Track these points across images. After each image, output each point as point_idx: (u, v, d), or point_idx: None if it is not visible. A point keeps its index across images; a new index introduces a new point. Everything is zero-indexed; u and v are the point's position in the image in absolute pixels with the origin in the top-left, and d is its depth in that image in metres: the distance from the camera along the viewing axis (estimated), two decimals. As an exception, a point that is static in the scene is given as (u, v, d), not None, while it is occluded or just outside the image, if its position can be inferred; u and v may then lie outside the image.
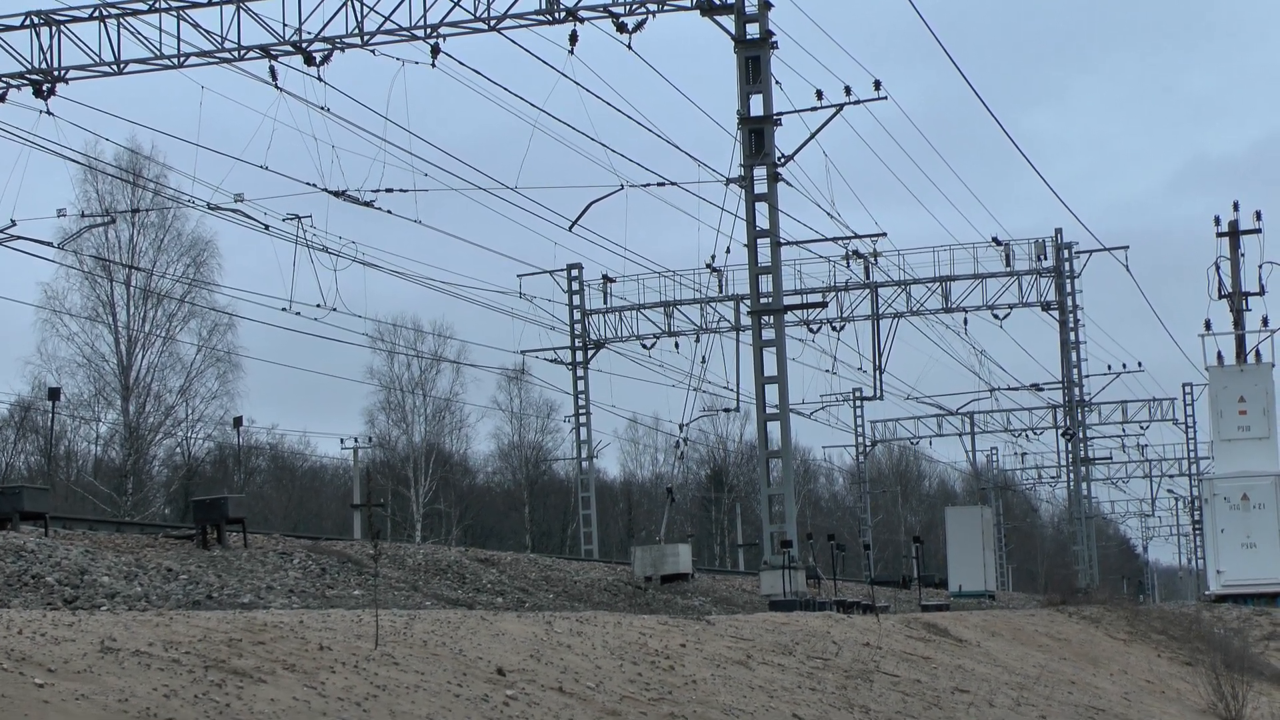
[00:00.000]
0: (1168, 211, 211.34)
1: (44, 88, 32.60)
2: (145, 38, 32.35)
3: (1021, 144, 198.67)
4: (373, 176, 43.88)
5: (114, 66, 32.59)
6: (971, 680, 22.44)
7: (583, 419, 57.11)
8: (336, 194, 34.03)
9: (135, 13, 32.30)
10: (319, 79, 31.75)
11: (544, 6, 31.24)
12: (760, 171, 31.34)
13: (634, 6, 30.98)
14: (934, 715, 18.18)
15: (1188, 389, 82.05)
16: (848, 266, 52.56)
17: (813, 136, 33.09)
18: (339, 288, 37.80)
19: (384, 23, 31.66)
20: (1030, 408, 76.78)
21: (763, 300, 31.62)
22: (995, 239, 54.52)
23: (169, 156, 65.06)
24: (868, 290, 54.39)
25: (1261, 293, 59.07)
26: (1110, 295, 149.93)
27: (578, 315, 56.79)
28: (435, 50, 31.25)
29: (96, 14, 32.34)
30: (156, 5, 32.19)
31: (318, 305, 37.81)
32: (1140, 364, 73.05)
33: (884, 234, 41.18)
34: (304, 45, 31.76)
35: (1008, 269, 54.66)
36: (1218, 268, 59.18)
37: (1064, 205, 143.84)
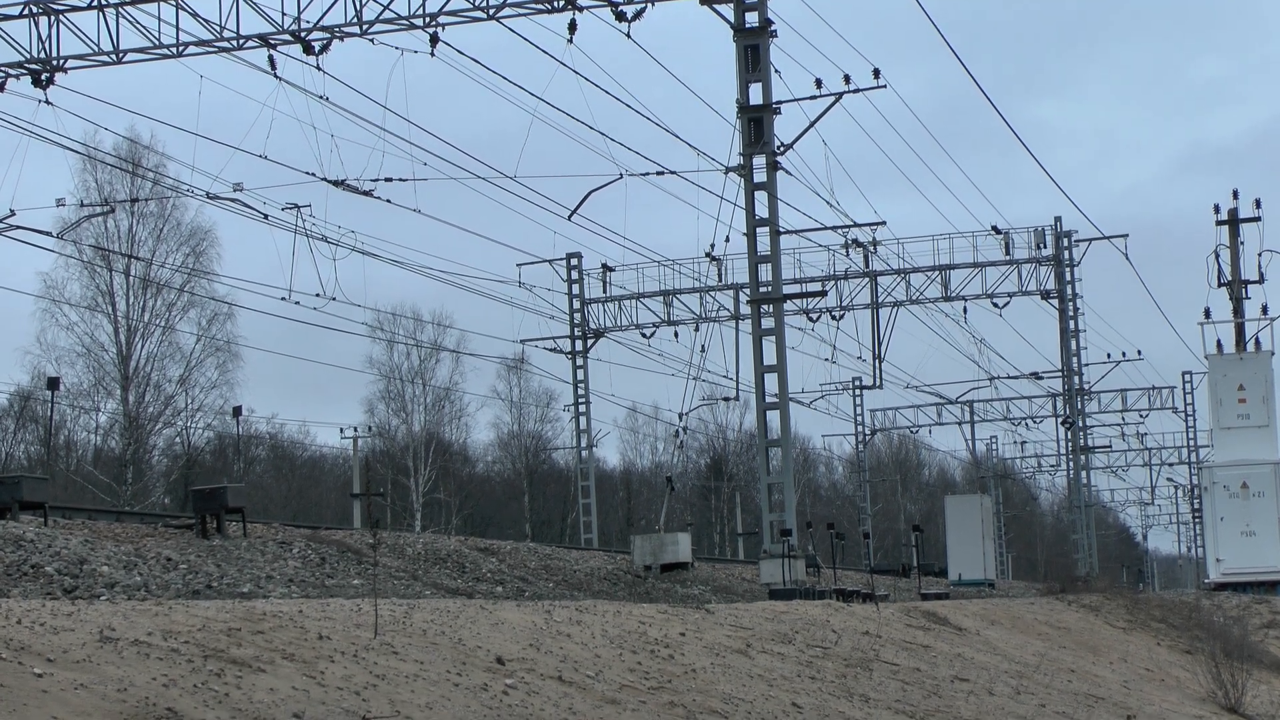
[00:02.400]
0: (1169, 199, 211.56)
1: (43, 77, 32.56)
2: (144, 27, 32.32)
3: (1030, 133, 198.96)
4: (372, 166, 43.89)
5: (113, 56, 32.55)
6: (971, 669, 22.46)
7: (582, 408, 57.14)
8: (336, 183, 34.01)
9: (134, 2, 32.24)
10: (318, 68, 31.75)
11: (543, -5, 31.19)
12: (759, 160, 31.32)
13: (633, -5, 30.92)
14: (933, 704, 18.19)
15: (1187, 377, 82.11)
16: (847, 255, 52.59)
17: (812, 125, 33.09)
18: (338, 277, 37.99)
19: (383, 11, 31.61)
20: (1030, 396, 76.88)
21: (762, 289, 31.61)
22: (994, 227, 54.57)
23: (168, 146, 65.22)
24: (867, 279, 54.40)
25: (1261, 281, 59.11)
26: (1110, 283, 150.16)
27: (577, 304, 56.80)
28: (434, 39, 31.21)
29: (95, 3, 32.28)
30: (155, -6, 32.14)
31: (317, 294, 37.84)
32: (1140, 352, 73.08)
33: (883, 222, 41.21)
34: (303, 34, 31.72)
35: (1007, 258, 54.67)
36: (1217, 256, 59.22)
37: (1062, 192, 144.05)
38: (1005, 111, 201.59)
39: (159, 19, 32.23)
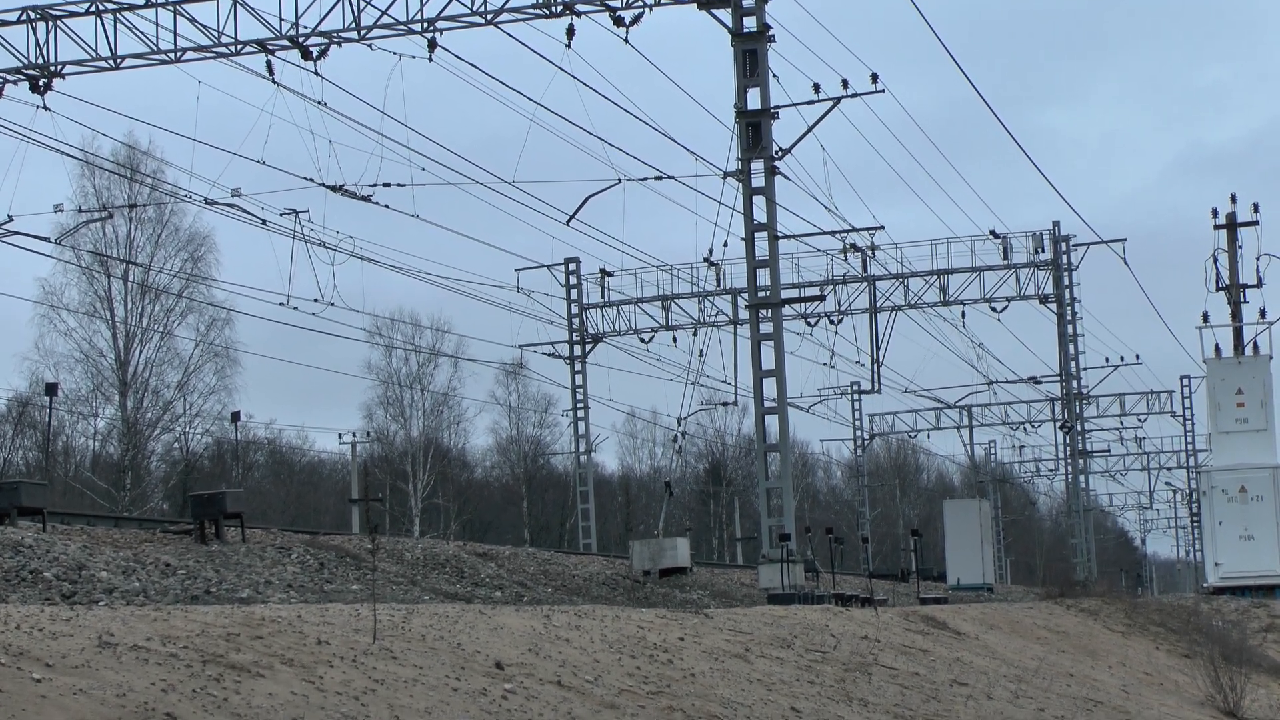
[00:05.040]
0: (1168, 204, 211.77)
1: (40, 83, 32.57)
2: (142, 32, 32.35)
3: (1038, 140, 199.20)
4: (370, 171, 43.89)
5: (111, 61, 32.56)
6: (970, 673, 22.46)
7: (581, 413, 57.12)
8: (334, 189, 34.03)
9: (132, 7, 32.27)
10: (316, 73, 31.77)
11: (541, 0, 31.22)
12: (757, 165, 31.33)
13: (631, 0, 30.97)
14: (932, 708, 18.19)
15: (1185, 381, 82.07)
16: (845, 260, 52.61)
17: (810, 130, 33.09)
18: (336, 282, 37.81)
19: (380, 17, 31.64)
20: (1028, 400, 76.88)
21: (760, 294, 31.61)
22: (993, 232, 54.60)
23: (166, 151, 65.17)
24: (865, 283, 54.40)
25: (1259, 285, 59.08)
26: (1108, 288, 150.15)
27: (575, 309, 56.80)
28: (432, 44, 31.23)
29: (93, 9, 32.31)
30: (153, 0, 32.16)
31: (315, 300, 37.86)
32: (1138, 357, 73.11)
33: (881, 227, 41.28)
34: (301, 40, 31.74)
35: (1005, 262, 54.69)
36: (1215, 260, 59.22)
37: (1060, 197, 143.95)
38: (1015, 118, 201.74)
39: (157, 24, 32.28)
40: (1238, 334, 58.60)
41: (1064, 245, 57.12)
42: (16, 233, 35.90)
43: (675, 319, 55.83)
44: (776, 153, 31.58)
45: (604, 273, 55.45)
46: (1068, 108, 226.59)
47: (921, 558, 52.12)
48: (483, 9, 31.35)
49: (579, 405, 57.05)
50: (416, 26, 31.54)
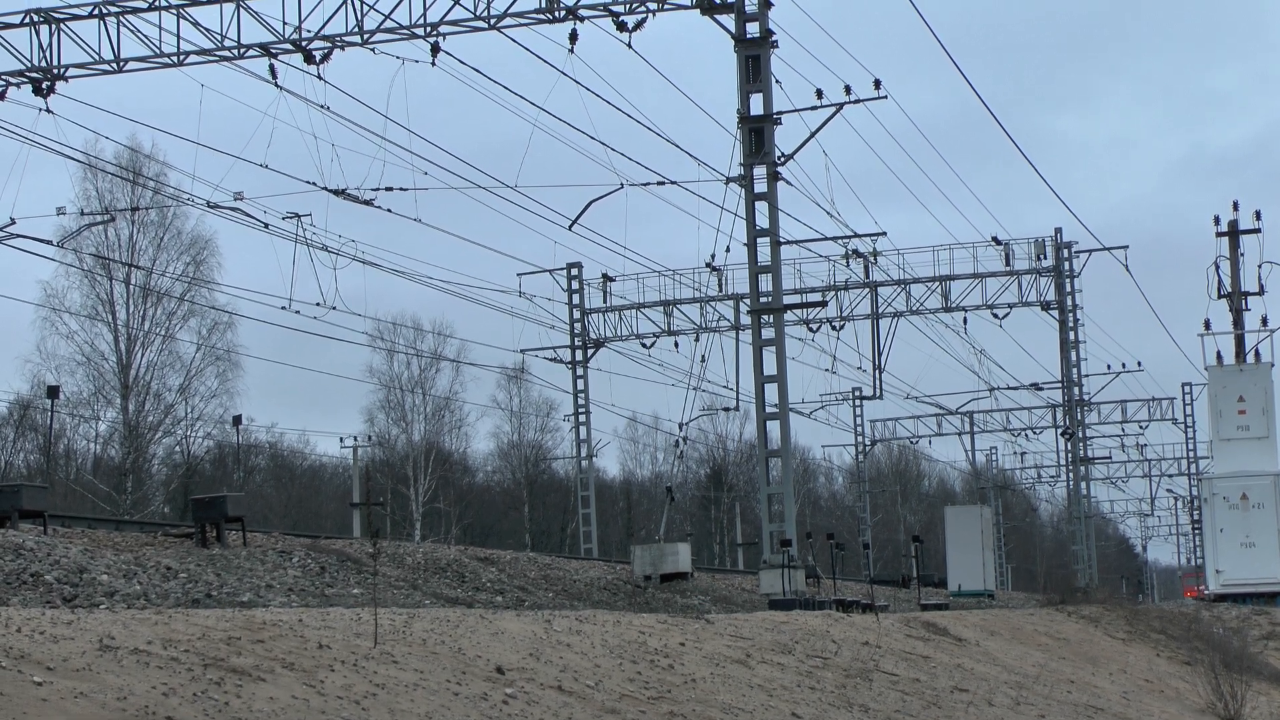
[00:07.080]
0: (1171, 209, 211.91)
1: (44, 86, 32.58)
2: (145, 36, 32.36)
3: (1049, 145, 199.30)
4: (372, 175, 43.96)
5: (114, 64, 32.57)
6: (970, 679, 22.44)
7: (582, 418, 57.11)
8: (336, 192, 34.03)
9: (135, 10, 32.28)
10: (319, 77, 31.77)
11: (544, 5, 31.22)
12: (760, 170, 31.32)
13: (634, 5, 30.96)
14: (933, 714, 18.18)
15: (1187, 389, 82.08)
16: (847, 266, 52.59)
17: (812, 136, 33.08)
18: (339, 286, 37.94)
19: (384, 21, 31.64)
20: (1030, 407, 76.86)
21: (762, 299, 31.61)
22: (995, 238, 54.57)
23: (169, 155, 65.14)
24: (867, 289, 54.39)
25: (1261, 292, 59.15)
26: (1110, 294, 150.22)
27: (577, 314, 56.79)
28: (435, 49, 31.24)
29: (96, 12, 32.32)
30: (156, 3, 32.16)
31: (317, 304, 37.86)
32: (1140, 364, 73.15)
33: (883, 233, 41.19)
34: (304, 44, 31.74)
35: (1007, 268, 54.68)
36: (1217, 267, 59.26)
37: (1062, 203, 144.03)
38: (1027, 124, 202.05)
39: (160, 28, 32.29)
40: (1239, 341, 58.63)
41: (1066, 251, 57.13)
42: (19, 235, 35.94)
43: (677, 324, 55.84)
44: (779, 158, 31.58)
45: (606, 278, 55.47)
46: (1078, 113, 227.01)
47: (922, 564, 52.07)
48: (486, 13, 31.35)
49: (580, 410, 57.04)
50: (419, 31, 31.54)
